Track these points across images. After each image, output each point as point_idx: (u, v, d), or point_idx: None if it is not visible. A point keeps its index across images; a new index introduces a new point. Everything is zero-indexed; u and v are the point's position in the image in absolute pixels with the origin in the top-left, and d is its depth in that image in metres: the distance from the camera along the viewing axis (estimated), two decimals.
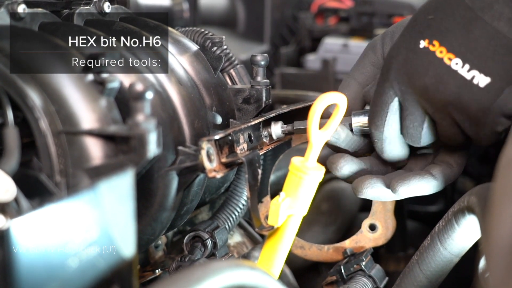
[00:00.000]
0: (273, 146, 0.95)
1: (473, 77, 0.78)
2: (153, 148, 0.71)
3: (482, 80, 0.78)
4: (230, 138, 0.85)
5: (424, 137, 0.85)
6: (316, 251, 1.07)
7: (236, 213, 1.02)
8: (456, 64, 0.79)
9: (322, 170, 0.83)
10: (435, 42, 0.80)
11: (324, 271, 1.19)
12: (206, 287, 0.60)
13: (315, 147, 0.81)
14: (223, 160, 0.83)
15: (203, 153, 0.79)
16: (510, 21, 0.77)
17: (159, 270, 0.96)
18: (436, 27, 0.81)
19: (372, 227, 1.03)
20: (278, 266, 0.84)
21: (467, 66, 0.78)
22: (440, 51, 0.80)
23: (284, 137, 0.97)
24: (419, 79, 0.81)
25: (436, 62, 0.80)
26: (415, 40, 0.82)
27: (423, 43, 0.81)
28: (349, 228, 1.36)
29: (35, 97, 0.73)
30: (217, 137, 0.82)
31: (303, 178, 0.81)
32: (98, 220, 0.64)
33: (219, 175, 0.81)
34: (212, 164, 0.80)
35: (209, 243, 0.95)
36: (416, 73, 0.81)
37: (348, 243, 1.04)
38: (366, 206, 1.44)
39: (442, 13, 0.81)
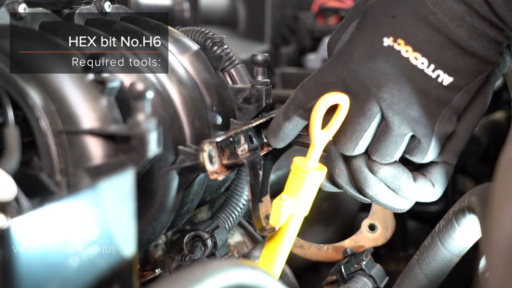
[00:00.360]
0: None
1: (437, 76, 0.79)
2: (153, 147, 0.71)
3: (446, 79, 0.79)
4: (231, 139, 0.85)
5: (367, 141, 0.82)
6: (316, 251, 1.07)
7: (236, 213, 1.02)
8: (422, 63, 0.79)
9: (324, 170, 0.83)
10: (400, 41, 0.79)
11: (325, 271, 1.19)
12: (207, 287, 0.60)
13: (317, 147, 0.81)
14: (225, 162, 0.83)
15: (205, 155, 0.79)
16: (459, 20, 0.78)
17: (159, 269, 0.96)
18: (399, 25, 0.80)
19: (372, 227, 1.04)
20: (279, 266, 0.84)
21: (432, 66, 0.79)
22: (406, 50, 0.79)
23: None
24: (381, 77, 0.79)
25: (402, 61, 0.79)
26: (378, 37, 0.80)
27: (387, 41, 0.80)
28: (349, 228, 1.36)
29: (35, 97, 0.73)
30: (218, 139, 0.82)
31: (305, 178, 0.81)
32: (98, 219, 0.64)
33: (220, 177, 0.81)
34: (213, 166, 0.81)
35: (209, 242, 0.95)
36: (379, 71, 0.80)
37: (348, 243, 1.05)
38: (366, 205, 1.44)
39: (401, 9, 0.80)
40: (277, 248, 0.84)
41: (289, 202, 0.81)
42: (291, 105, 0.86)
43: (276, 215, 0.81)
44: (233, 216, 1.02)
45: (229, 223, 1.01)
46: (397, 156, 0.82)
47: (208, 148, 0.80)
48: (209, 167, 0.80)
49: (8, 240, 0.57)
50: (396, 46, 0.79)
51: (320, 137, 0.81)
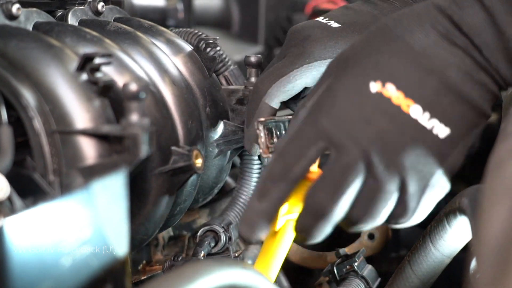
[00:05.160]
0: None
1: (433, 127, 0.68)
2: (146, 148, 0.72)
3: (442, 130, 0.68)
4: (275, 125, 0.87)
5: None
6: (314, 258, 1.08)
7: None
8: (415, 111, 0.68)
9: None
10: (390, 85, 0.68)
11: (317, 272, 1.20)
12: (199, 286, 0.61)
13: None
14: (269, 145, 0.86)
15: (260, 134, 0.84)
16: (454, 65, 0.69)
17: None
18: (386, 68, 0.69)
19: (371, 236, 1.05)
20: (275, 270, 0.84)
21: (427, 114, 0.68)
22: (396, 97, 0.68)
23: None
24: (370, 129, 0.68)
25: (393, 110, 0.68)
26: (363, 82, 0.69)
27: (374, 86, 0.68)
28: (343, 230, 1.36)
29: (29, 97, 0.73)
30: (271, 120, 0.85)
31: (303, 183, 0.81)
32: (91, 219, 0.64)
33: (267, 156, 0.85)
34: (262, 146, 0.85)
35: (223, 237, 0.96)
36: (367, 122, 0.68)
37: (347, 251, 1.05)
38: None
39: (386, 54, 0.69)
40: (274, 252, 0.84)
41: (286, 207, 0.82)
42: (269, 181, 0.71)
43: None
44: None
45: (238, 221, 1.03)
46: (384, 217, 0.70)
47: (261, 126, 0.84)
48: (262, 145, 0.85)
49: (1, 240, 0.57)
50: (385, 93, 0.68)
51: None
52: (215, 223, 0.97)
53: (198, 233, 0.96)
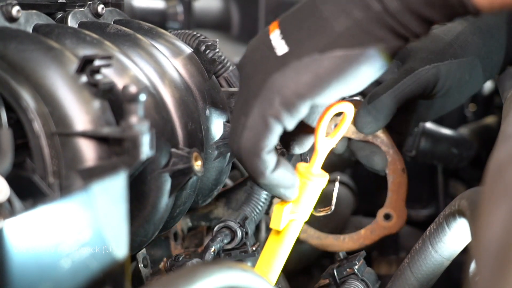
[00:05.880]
0: None
1: (277, 46, 0.75)
2: (146, 150, 0.72)
3: (282, 49, 0.75)
4: None
5: None
6: (332, 241, 1.09)
7: (260, 207, 1.04)
8: (274, 34, 0.76)
9: (326, 177, 0.83)
10: (276, 22, 0.77)
11: (317, 274, 1.20)
12: None
13: (320, 154, 0.82)
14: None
15: None
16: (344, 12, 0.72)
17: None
18: (286, 14, 0.78)
19: (387, 216, 1.06)
20: (277, 270, 0.84)
21: (280, 36, 0.76)
22: (272, 26, 0.77)
23: None
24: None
25: (263, 34, 0.78)
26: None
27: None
28: (342, 232, 1.36)
29: (28, 99, 0.73)
30: None
31: (307, 184, 0.82)
32: (91, 221, 0.64)
33: None
34: None
35: (239, 232, 0.96)
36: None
37: (364, 232, 1.07)
38: (358, 209, 1.45)
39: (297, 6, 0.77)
40: (276, 252, 0.84)
41: (290, 207, 0.82)
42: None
43: (277, 219, 0.81)
44: (258, 209, 1.04)
45: (255, 216, 1.03)
46: None
47: None
48: None
49: (0, 241, 0.58)
50: (270, 26, 0.78)
51: (324, 144, 0.81)
52: (230, 219, 0.97)
53: (214, 229, 0.97)
